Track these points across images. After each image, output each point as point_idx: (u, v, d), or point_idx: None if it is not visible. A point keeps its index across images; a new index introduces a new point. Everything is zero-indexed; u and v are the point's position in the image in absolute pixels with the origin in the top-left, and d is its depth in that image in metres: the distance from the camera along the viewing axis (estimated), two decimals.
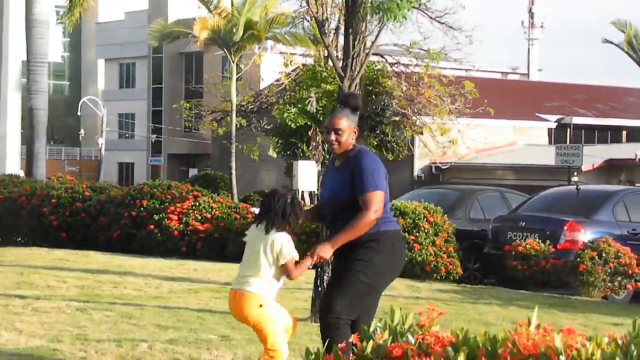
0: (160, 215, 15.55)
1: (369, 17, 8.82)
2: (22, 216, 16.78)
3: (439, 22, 20.84)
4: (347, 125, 5.49)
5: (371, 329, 2.45)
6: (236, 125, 27.08)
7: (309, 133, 22.19)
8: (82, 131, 61.30)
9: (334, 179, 5.58)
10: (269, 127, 25.63)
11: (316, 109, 22.09)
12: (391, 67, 23.94)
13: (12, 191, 17.36)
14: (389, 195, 5.60)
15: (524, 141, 39.21)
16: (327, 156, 20.36)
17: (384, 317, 2.56)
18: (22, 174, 23.70)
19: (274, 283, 5.34)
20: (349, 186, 5.44)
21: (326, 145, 22.21)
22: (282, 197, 5.35)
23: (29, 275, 11.31)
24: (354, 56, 8.92)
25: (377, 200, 5.37)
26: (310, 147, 22.21)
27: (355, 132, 5.55)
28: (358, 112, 5.64)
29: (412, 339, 2.40)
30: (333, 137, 5.50)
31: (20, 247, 15.61)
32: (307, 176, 20.86)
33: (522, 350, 2.18)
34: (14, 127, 26.55)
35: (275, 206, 5.31)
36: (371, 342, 2.34)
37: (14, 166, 25.98)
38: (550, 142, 39.26)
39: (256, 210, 5.35)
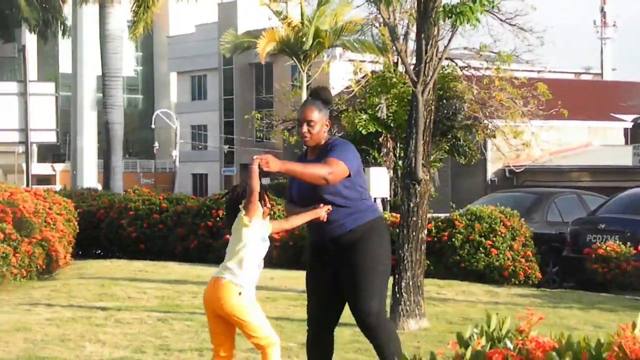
0: None
1: (441, 21, 8.77)
2: (101, 229, 17.07)
3: (510, 24, 20.58)
4: (319, 116, 5.46)
5: (467, 335, 2.42)
6: None
7: (380, 139, 22.14)
8: (156, 144, 62.22)
9: None
10: (340, 134, 25.64)
11: (387, 115, 22.04)
12: (461, 70, 23.76)
13: (90, 204, 17.67)
14: (365, 181, 5.71)
15: (600, 142, 38.56)
16: (399, 162, 20.29)
17: (480, 323, 2.53)
18: (99, 187, 24.12)
19: (253, 269, 5.18)
20: None
21: (397, 152, 22.03)
22: (235, 190, 5.26)
23: (109, 287, 11.49)
24: (427, 61, 8.87)
25: (338, 167, 5.30)
26: (382, 154, 22.16)
27: (327, 124, 5.53)
28: (329, 106, 5.62)
29: (510, 345, 2.36)
30: (305, 128, 5.46)
31: (99, 260, 15.87)
32: (380, 183, 20.77)
33: (629, 354, 2.13)
34: (90, 142, 27.06)
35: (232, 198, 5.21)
36: (470, 348, 2.31)
37: (91, 180, 26.45)
38: (626, 142, 38.55)
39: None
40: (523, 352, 2.26)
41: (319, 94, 5.60)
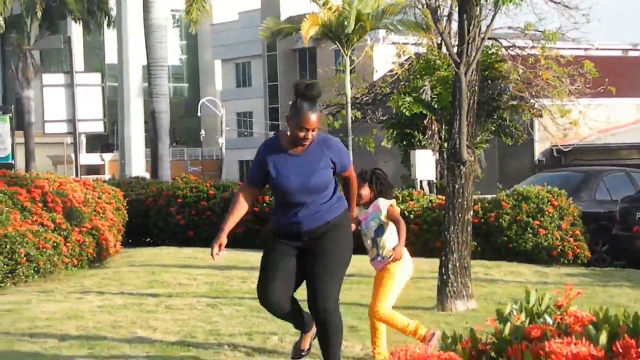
0: None
1: (483, 0, 8.72)
2: (150, 217, 17.26)
3: (554, 2, 20.37)
4: (320, 119, 5.58)
5: (507, 311, 2.45)
6: (351, 117, 27.15)
7: (425, 122, 22.09)
8: (202, 132, 62.58)
9: (302, 164, 5.61)
10: (384, 118, 25.58)
11: (431, 97, 21.97)
12: (506, 50, 23.56)
13: (139, 193, 17.86)
14: None
15: None
16: (444, 145, 20.20)
17: (519, 300, 2.55)
18: (147, 176, 24.35)
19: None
20: (328, 167, 5.60)
21: (442, 134, 21.91)
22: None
23: (160, 274, 11.63)
24: (469, 41, 8.82)
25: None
26: (426, 136, 22.10)
27: None
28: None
29: (549, 320, 2.39)
30: (310, 134, 5.54)
31: (149, 247, 16.05)
32: (425, 165, 20.80)
33: None
34: (137, 131, 27.30)
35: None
36: (509, 324, 2.33)
37: (139, 169, 26.71)
38: None
39: None
40: (562, 326, 2.28)
41: (312, 93, 5.54)
